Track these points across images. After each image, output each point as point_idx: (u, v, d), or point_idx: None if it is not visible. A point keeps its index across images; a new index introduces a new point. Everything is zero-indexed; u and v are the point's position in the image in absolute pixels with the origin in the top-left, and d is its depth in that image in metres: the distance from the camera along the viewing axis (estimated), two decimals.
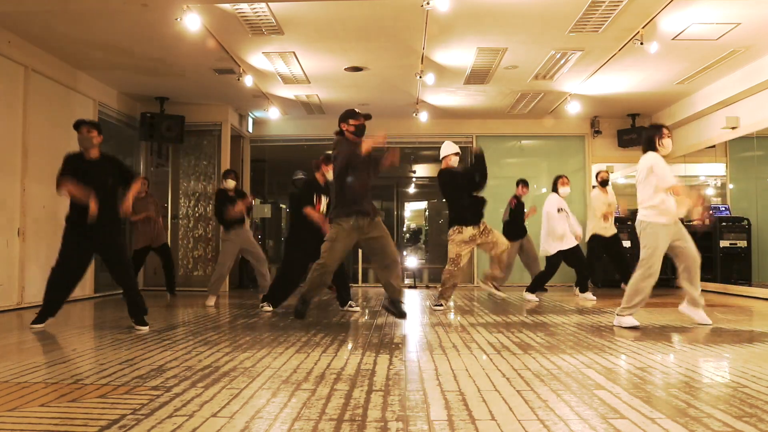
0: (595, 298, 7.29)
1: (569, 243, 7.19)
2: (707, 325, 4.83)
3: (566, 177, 7.51)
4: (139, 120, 8.93)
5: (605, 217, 7.51)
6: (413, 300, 7.53)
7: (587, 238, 7.72)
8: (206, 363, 3.34)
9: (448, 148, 6.28)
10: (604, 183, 7.76)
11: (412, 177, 14.25)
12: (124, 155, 9.50)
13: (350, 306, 6.09)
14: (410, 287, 9.76)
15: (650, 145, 4.75)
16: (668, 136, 4.74)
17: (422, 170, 14.06)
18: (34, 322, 4.80)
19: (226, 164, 9.44)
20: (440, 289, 6.21)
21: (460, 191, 6.09)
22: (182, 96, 8.91)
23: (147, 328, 4.74)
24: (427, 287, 9.72)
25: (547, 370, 3.13)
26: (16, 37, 6.33)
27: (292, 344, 3.98)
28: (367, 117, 4.89)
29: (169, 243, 8.32)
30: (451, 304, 6.72)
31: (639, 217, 4.75)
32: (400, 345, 4.01)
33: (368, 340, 4.20)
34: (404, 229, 15.33)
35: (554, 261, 7.29)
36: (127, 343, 4.05)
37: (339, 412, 2.34)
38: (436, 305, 6.20)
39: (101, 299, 7.65)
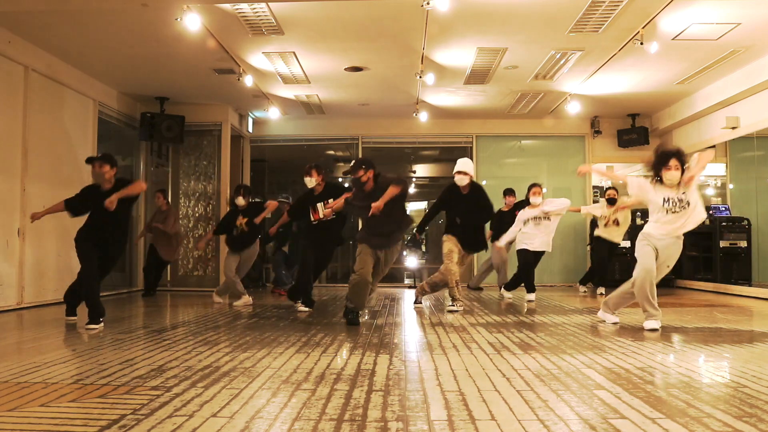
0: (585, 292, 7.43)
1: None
2: None
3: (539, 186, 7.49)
4: (139, 120, 8.93)
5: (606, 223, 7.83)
6: (413, 300, 7.53)
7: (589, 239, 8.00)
8: (206, 363, 3.34)
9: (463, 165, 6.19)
10: (611, 201, 7.83)
11: (412, 177, 14.25)
12: (124, 155, 9.50)
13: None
14: (410, 287, 9.76)
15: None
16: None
17: (422, 170, 14.05)
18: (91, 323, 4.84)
19: (226, 164, 9.45)
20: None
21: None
22: (182, 96, 8.91)
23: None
24: None
25: (547, 370, 3.13)
26: (16, 37, 6.33)
27: (292, 344, 3.98)
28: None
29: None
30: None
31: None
32: (399, 345, 4.01)
33: (368, 340, 4.21)
34: None
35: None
36: (127, 343, 4.05)
37: (339, 412, 2.34)
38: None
39: (101, 299, 7.63)
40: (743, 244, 8.55)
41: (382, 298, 7.60)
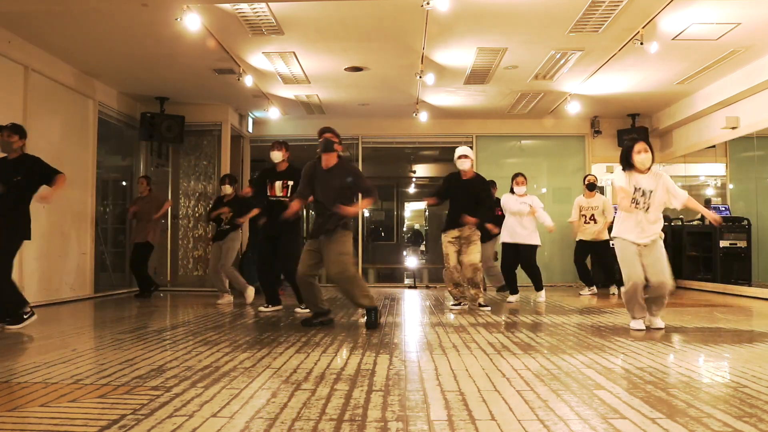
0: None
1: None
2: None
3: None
4: (139, 120, 8.93)
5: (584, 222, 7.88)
6: (413, 300, 7.53)
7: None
8: (206, 363, 3.34)
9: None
10: (590, 187, 7.89)
11: (412, 177, 14.26)
12: (124, 155, 9.52)
13: None
14: (410, 287, 9.76)
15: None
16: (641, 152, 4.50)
17: (422, 170, 14.06)
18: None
19: (226, 164, 9.44)
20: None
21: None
22: (182, 96, 8.91)
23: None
24: (428, 287, 9.72)
25: (547, 370, 3.13)
26: (16, 37, 6.32)
27: (292, 344, 3.98)
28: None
29: (159, 242, 8.33)
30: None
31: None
32: (399, 345, 4.01)
33: (368, 340, 4.21)
34: (404, 229, 15.33)
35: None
36: (127, 343, 4.05)
37: (339, 412, 2.34)
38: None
39: (101, 299, 7.66)
40: (743, 244, 8.54)
41: (381, 298, 7.60)
